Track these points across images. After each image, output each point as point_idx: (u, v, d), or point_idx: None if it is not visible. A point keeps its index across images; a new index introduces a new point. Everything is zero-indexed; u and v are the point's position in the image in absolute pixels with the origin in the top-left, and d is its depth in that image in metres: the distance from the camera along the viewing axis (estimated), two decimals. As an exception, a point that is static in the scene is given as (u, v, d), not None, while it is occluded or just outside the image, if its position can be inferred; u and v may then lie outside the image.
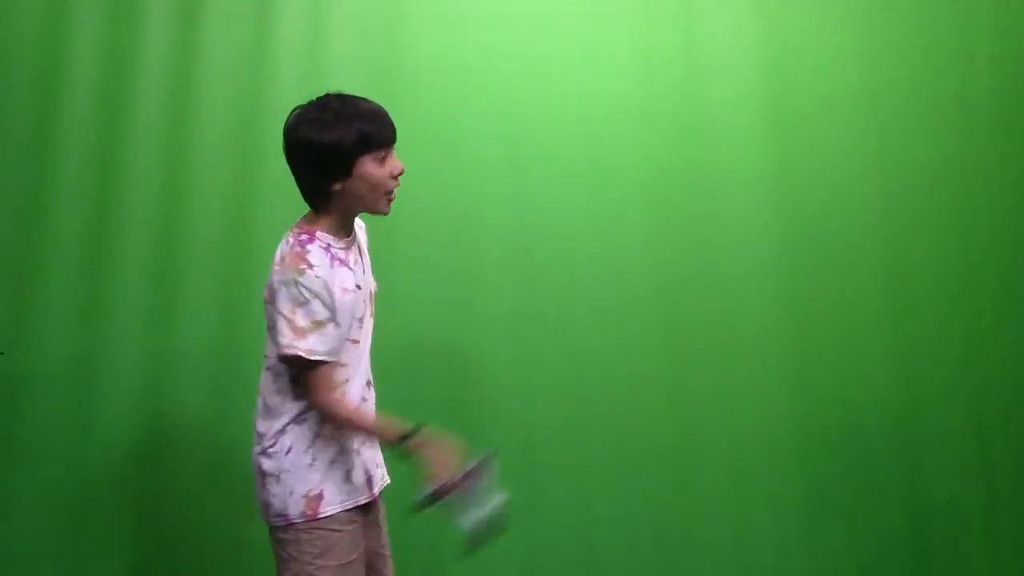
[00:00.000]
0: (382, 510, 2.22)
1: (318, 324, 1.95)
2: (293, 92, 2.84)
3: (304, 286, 1.93)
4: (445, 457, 1.98)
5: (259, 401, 2.08)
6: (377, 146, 1.98)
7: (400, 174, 2.03)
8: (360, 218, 2.15)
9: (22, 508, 2.73)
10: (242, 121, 2.83)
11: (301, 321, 1.93)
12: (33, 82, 2.77)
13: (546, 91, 2.94)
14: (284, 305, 1.93)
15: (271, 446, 2.03)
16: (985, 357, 3.10)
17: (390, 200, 2.05)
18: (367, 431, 2.07)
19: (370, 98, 2.06)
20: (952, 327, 3.08)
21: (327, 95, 2.03)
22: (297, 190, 2.79)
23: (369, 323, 2.12)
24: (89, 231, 2.78)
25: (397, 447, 2.00)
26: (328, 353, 1.96)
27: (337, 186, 1.98)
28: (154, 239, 2.80)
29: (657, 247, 2.97)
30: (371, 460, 2.15)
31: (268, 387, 2.05)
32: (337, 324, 1.98)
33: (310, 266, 1.95)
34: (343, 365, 2.03)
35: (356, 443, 2.10)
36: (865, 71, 3.05)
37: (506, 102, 2.92)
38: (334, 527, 2.04)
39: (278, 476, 2.02)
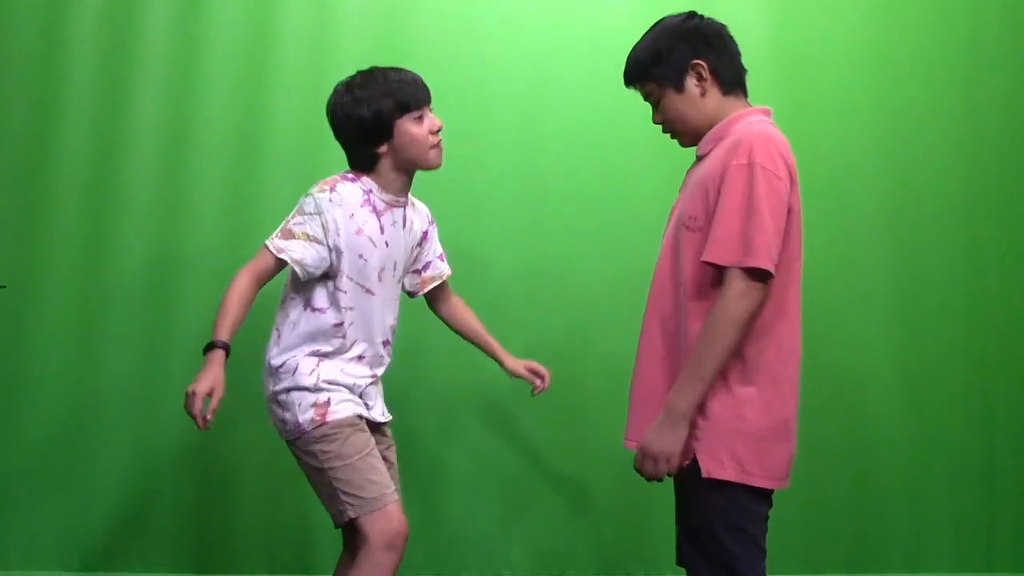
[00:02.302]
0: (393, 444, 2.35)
1: (306, 236, 2.13)
2: (298, 50, 2.88)
3: (316, 201, 2.13)
4: None
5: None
6: (413, 107, 2.18)
7: (439, 130, 2.20)
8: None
9: (24, 437, 2.81)
10: (247, 76, 2.89)
11: (292, 225, 2.14)
12: (38, 30, 2.87)
13: (554, 46, 2.96)
14: (293, 211, 2.16)
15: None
16: (990, 305, 3.11)
17: (438, 153, 2.20)
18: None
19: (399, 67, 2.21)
20: (957, 273, 3.10)
21: (358, 72, 2.22)
22: (299, 135, 2.87)
23: (391, 284, 2.24)
24: (93, 168, 2.86)
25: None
26: (294, 260, 2.12)
27: (383, 148, 2.19)
28: (157, 175, 2.88)
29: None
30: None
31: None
32: (331, 249, 2.13)
33: (332, 190, 2.15)
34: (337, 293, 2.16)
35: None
36: (875, 16, 3.06)
37: (515, 61, 2.96)
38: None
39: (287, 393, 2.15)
